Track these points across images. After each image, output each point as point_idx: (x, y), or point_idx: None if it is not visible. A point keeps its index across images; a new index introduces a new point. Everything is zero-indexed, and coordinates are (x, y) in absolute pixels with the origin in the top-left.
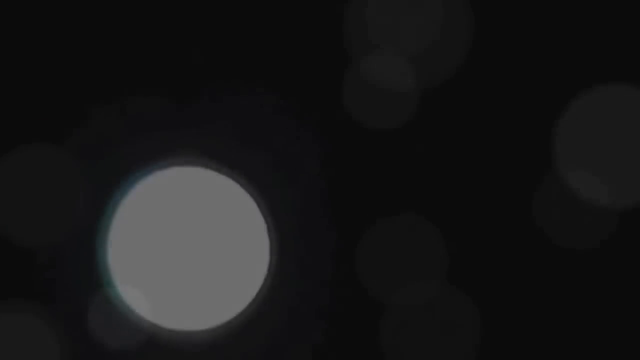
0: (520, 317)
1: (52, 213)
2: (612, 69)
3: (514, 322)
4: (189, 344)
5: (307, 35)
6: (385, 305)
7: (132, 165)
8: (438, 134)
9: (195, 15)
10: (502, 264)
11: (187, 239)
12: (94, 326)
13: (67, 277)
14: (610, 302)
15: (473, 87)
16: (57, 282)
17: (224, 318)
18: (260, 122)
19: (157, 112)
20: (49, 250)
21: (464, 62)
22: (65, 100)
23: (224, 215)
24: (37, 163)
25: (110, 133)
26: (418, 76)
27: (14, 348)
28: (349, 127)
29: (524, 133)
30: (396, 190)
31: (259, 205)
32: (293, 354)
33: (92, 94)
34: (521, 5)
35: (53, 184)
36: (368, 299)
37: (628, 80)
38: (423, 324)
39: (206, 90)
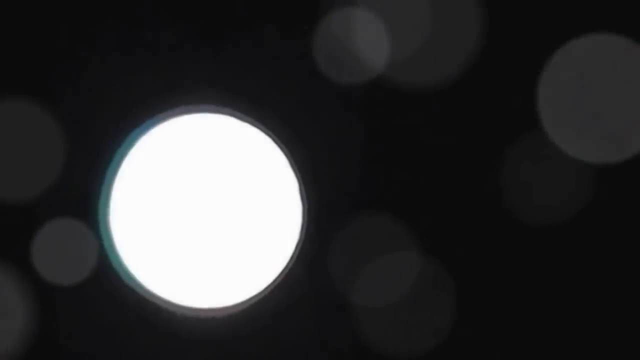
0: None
1: (50, 165)
2: (594, 20)
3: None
4: (209, 323)
5: None
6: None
7: (146, 110)
8: (417, 97)
9: None
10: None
11: (204, 202)
12: (99, 301)
13: (67, 243)
14: (594, 270)
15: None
16: (57, 250)
17: (254, 290)
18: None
19: (179, 49)
20: (47, 210)
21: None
22: (78, 32)
23: (248, 170)
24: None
25: (126, 71)
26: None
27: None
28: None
29: (506, 91)
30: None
31: (290, 161)
32: (328, 321)
33: (110, 23)
34: None
35: (59, 126)
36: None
37: (612, 30)
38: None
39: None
